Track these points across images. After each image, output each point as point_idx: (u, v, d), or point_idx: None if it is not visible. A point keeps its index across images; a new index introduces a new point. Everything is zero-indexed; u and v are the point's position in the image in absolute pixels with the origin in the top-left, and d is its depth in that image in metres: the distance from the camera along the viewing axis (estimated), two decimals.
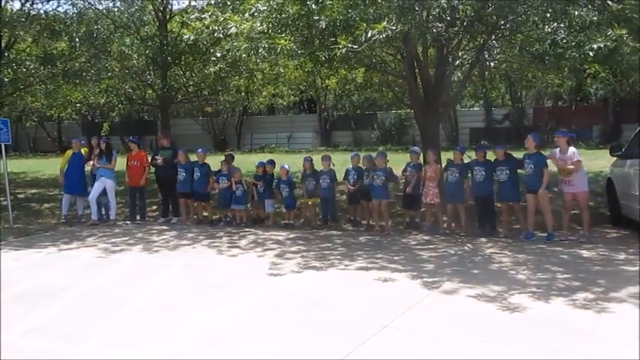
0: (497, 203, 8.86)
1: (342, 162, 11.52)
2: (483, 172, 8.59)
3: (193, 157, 10.95)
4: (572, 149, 8.22)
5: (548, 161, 8.32)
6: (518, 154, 9.03)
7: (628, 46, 6.76)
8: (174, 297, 6.00)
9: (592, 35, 6.87)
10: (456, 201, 8.89)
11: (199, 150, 10.84)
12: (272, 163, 10.38)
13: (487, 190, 8.67)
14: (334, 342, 4.54)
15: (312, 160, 10.16)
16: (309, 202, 10.05)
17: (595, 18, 7.03)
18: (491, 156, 8.80)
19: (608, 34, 6.68)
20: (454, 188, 8.89)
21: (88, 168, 11.04)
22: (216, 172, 10.62)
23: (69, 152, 11.33)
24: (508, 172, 8.43)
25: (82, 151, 11.23)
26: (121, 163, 11.48)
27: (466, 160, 9.09)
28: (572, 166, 8.06)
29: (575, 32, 7.21)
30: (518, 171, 8.57)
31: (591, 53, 6.83)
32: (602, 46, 6.65)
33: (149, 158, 11.32)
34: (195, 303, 5.73)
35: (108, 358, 4.43)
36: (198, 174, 10.43)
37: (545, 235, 8.19)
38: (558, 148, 8.36)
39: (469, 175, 8.86)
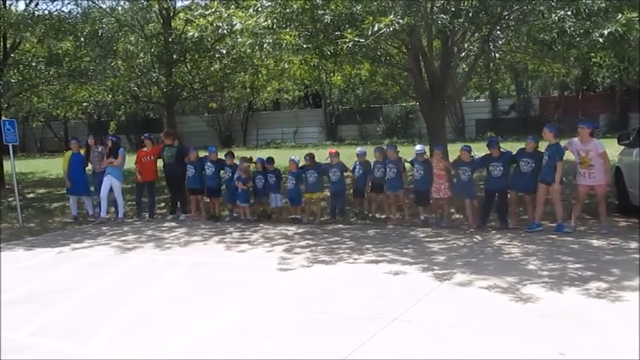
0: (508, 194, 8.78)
1: (348, 156, 11.50)
2: (501, 168, 8.49)
3: (201, 154, 10.95)
4: (595, 140, 7.99)
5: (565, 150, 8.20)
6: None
7: (637, 30, 6.67)
8: (184, 294, 6.02)
9: (600, 22, 6.80)
10: (466, 196, 8.86)
11: (210, 149, 10.79)
12: (266, 160, 10.24)
13: (503, 184, 8.57)
14: (344, 335, 4.55)
15: (313, 157, 10.02)
16: (314, 198, 10.02)
17: (603, 4, 6.97)
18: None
19: (618, 18, 6.59)
20: (465, 185, 8.86)
21: (88, 168, 11.08)
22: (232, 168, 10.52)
23: (68, 153, 11.33)
24: (533, 164, 8.26)
25: (81, 151, 11.28)
26: (128, 161, 11.49)
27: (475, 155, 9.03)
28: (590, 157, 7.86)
29: (582, 20, 7.14)
30: None
31: (601, 40, 6.75)
32: (612, 31, 6.55)
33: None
34: (204, 300, 5.75)
35: (116, 358, 4.45)
36: (212, 170, 10.44)
37: (555, 225, 8.13)
38: (577, 137, 8.12)
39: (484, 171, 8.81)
